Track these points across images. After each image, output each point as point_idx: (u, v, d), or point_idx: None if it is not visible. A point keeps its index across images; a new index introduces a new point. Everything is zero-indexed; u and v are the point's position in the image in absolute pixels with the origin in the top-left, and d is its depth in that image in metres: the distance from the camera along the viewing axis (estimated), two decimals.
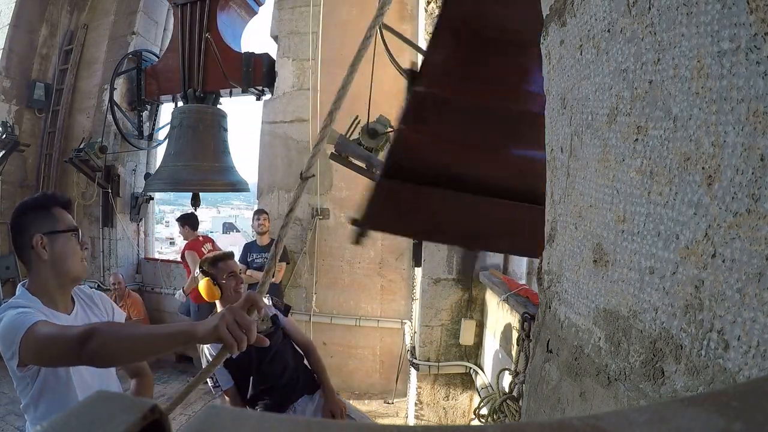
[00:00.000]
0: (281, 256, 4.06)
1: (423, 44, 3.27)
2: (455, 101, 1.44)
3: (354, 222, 1.64)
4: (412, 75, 1.52)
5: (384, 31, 2.96)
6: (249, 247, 4.30)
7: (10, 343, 1.06)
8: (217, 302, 2.16)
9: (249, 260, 4.22)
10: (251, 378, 2.11)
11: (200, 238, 4.64)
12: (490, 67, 1.37)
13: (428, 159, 1.49)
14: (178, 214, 4.97)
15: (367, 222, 1.62)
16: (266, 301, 2.27)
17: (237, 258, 4.35)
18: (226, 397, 2.12)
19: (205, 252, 4.18)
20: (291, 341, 2.29)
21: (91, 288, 1.45)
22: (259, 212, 4.33)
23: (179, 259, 4.84)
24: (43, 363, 1.12)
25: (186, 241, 4.60)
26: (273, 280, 3.19)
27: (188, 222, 4.55)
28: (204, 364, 2.10)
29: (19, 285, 1.26)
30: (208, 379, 2.03)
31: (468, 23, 1.35)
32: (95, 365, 1.09)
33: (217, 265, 2.13)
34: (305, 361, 2.30)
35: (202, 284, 2.12)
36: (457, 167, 1.49)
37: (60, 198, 1.31)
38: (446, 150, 1.50)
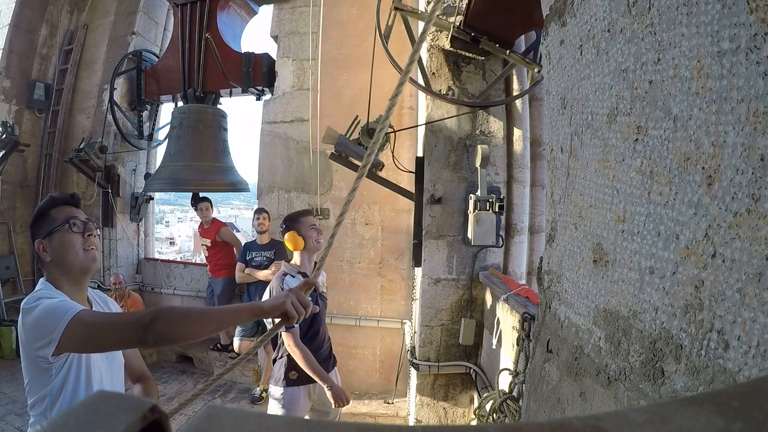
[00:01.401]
0: (281, 255, 4.07)
1: (423, 44, 3.27)
2: None
3: None
4: None
5: (383, 34, 2.96)
6: (248, 246, 4.30)
7: (50, 330, 1.08)
8: (297, 253, 2.50)
9: (248, 258, 4.22)
10: (315, 321, 2.46)
11: (216, 219, 4.79)
12: None
13: None
14: (178, 214, 5.02)
15: None
16: (322, 276, 2.71)
17: (234, 260, 4.43)
18: (289, 336, 2.34)
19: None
20: None
21: (91, 287, 1.45)
22: (258, 211, 4.33)
23: (179, 259, 4.86)
24: (86, 348, 1.15)
25: (205, 223, 4.69)
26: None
27: (208, 201, 4.66)
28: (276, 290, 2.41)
29: (41, 279, 1.28)
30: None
31: None
32: (158, 345, 1.16)
33: (299, 219, 2.48)
34: None
35: (288, 236, 2.45)
36: None
37: (58, 198, 1.32)
38: None
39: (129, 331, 1.05)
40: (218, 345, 4.75)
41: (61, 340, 1.08)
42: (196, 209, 4.74)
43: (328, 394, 2.32)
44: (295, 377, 2.38)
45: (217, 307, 1.17)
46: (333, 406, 2.35)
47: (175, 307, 1.19)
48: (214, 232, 4.61)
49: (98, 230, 1.36)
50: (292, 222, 2.48)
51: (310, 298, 1.14)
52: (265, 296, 2.48)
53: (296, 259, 2.53)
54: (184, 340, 1.12)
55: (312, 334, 2.45)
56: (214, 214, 4.89)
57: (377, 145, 0.92)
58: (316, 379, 2.31)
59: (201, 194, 4.74)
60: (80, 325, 1.07)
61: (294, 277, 2.43)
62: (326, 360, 2.54)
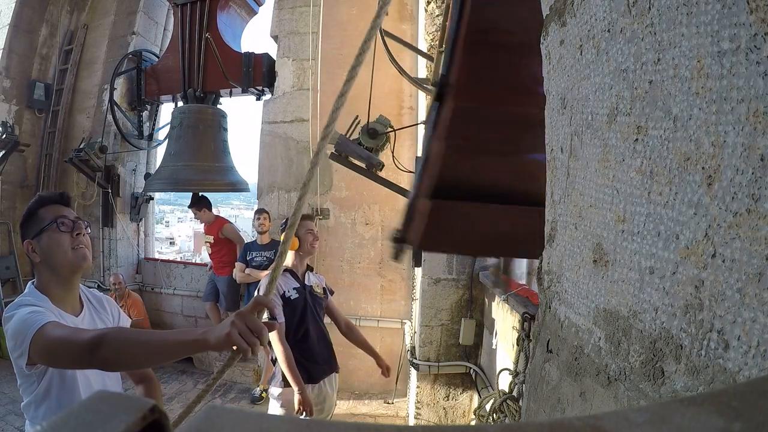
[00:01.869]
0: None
1: (423, 45, 3.27)
2: (483, 111, 1.41)
3: (397, 240, 1.61)
4: (440, 88, 1.46)
5: (384, 32, 2.96)
6: (249, 246, 4.31)
7: (21, 342, 1.07)
8: (291, 253, 2.51)
9: (248, 259, 4.23)
10: (304, 320, 2.47)
11: (220, 216, 4.82)
12: (508, 72, 1.37)
13: (469, 173, 1.43)
14: (178, 214, 5.04)
15: (419, 244, 1.58)
16: (316, 279, 2.69)
17: (237, 257, 4.44)
18: (274, 332, 2.31)
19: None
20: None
21: (90, 288, 1.44)
22: (259, 212, 4.34)
23: (179, 259, 4.88)
24: (51, 364, 1.12)
25: (207, 223, 4.70)
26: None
27: (203, 203, 4.64)
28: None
29: (29, 283, 1.26)
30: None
31: (485, 30, 1.35)
32: (106, 370, 1.11)
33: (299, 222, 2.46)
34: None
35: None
36: (495, 178, 1.44)
37: (46, 198, 1.29)
38: (485, 162, 1.45)
39: (77, 352, 1.00)
40: None
41: (30, 353, 1.06)
42: None
43: (296, 398, 2.30)
44: None
45: (162, 336, 1.02)
46: (295, 410, 2.33)
47: (122, 331, 1.12)
48: (216, 229, 4.63)
49: (88, 229, 1.31)
50: None
51: (264, 320, 0.96)
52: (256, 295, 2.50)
53: (289, 258, 2.57)
54: (129, 368, 1.04)
55: (302, 335, 2.45)
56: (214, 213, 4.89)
57: (338, 113, 0.88)
58: (289, 378, 2.31)
59: (200, 194, 4.74)
60: (42, 339, 1.04)
61: (282, 274, 2.47)
62: (326, 362, 2.54)
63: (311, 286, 2.60)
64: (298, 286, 2.52)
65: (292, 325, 2.44)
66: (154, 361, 1.04)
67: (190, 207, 4.69)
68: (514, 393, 1.85)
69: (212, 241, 4.65)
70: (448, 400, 3.14)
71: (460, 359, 3.07)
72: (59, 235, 1.23)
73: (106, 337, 1.00)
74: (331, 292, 2.79)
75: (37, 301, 1.18)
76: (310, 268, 2.68)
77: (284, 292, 2.45)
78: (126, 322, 1.47)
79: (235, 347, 0.91)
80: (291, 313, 2.44)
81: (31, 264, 1.27)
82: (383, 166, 3.18)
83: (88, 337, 1.01)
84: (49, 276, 1.25)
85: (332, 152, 3.15)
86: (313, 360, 2.46)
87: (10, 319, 1.12)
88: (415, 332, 3.49)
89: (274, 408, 2.45)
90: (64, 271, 1.25)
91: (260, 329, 0.91)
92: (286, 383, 2.39)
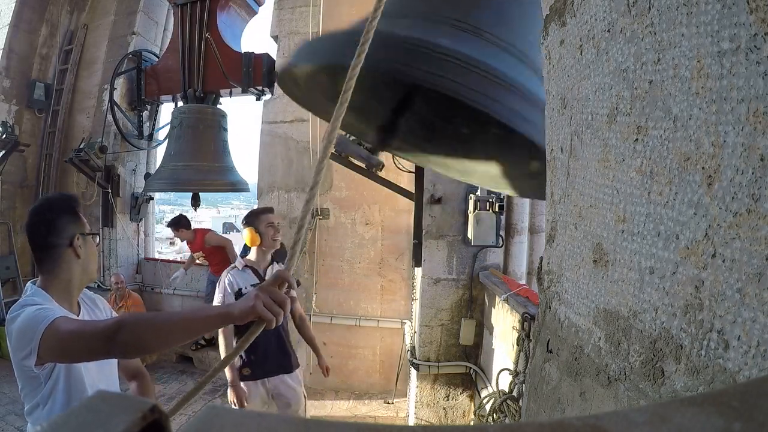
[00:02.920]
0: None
1: None
2: None
3: None
4: None
5: None
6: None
7: (29, 340, 1.05)
8: (254, 249, 2.54)
9: None
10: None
11: (198, 229, 4.92)
12: None
13: None
14: (178, 215, 5.07)
15: None
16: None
17: (230, 257, 4.44)
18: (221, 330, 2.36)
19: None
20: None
21: (91, 288, 1.44)
22: None
23: (179, 259, 4.91)
24: (65, 359, 1.11)
25: (188, 241, 4.79)
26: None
27: (181, 224, 4.74)
28: (221, 291, 2.45)
29: (29, 283, 1.25)
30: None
31: None
32: (127, 356, 1.12)
33: (258, 216, 2.53)
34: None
35: (246, 232, 2.51)
36: None
37: (79, 201, 1.35)
38: None
39: (95, 341, 1.00)
40: (201, 342, 4.81)
41: (40, 351, 1.05)
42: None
43: (229, 390, 2.35)
44: (247, 373, 2.42)
45: (184, 315, 1.05)
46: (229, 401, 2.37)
47: (140, 315, 1.15)
48: (200, 243, 4.73)
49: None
50: (251, 218, 2.53)
51: (286, 294, 0.96)
52: (217, 292, 2.48)
53: (251, 254, 2.58)
54: (151, 351, 1.05)
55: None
56: (214, 214, 4.91)
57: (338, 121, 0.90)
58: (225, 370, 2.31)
59: (178, 215, 4.87)
60: (54, 334, 1.03)
61: (242, 270, 2.50)
62: (277, 361, 2.50)
63: None
64: (257, 282, 2.46)
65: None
66: (176, 341, 1.03)
67: (168, 226, 4.77)
68: (514, 393, 1.85)
69: (205, 255, 4.76)
70: (448, 400, 3.14)
71: (460, 359, 3.07)
72: (93, 244, 1.30)
73: (125, 322, 1.00)
74: (298, 284, 2.73)
75: (42, 300, 1.17)
76: (275, 261, 2.64)
77: (240, 288, 2.42)
78: None
79: (258, 318, 0.93)
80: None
81: (35, 262, 1.27)
82: (383, 166, 3.18)
83: (104, 325, 1.01)
84: (77, 276, 1.25)
85: (332, 152, 3.14)
86: (260, 356, 2.44)
87: (15, 319, 1.11)
88: (415, 332, 3.49)
89: (231, 399, 2.46)
90: (88, 279, 1.30)
91: (284, 300, 0.94)
92: (241, 377, 2.41)
